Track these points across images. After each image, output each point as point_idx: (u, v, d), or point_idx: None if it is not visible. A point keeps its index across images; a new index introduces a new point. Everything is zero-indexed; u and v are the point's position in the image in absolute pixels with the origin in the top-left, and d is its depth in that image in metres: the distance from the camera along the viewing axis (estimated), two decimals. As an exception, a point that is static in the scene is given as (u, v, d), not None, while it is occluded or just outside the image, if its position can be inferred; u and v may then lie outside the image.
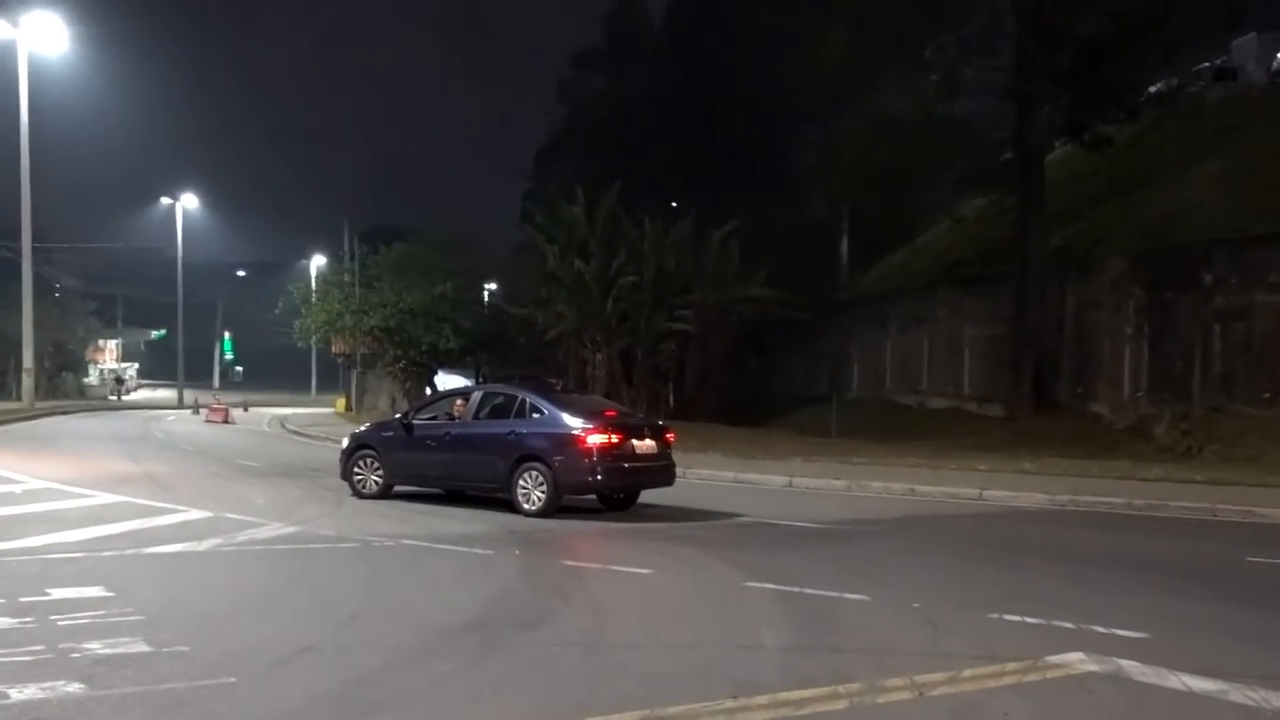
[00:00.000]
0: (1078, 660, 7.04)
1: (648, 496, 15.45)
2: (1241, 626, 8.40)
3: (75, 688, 5.91)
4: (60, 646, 6.74)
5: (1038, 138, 31.08)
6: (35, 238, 41.97)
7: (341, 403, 58.57)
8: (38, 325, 44.14)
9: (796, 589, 9.31)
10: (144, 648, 6.80)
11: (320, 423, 44.02)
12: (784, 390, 45.40)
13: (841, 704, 6.01)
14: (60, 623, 7.40)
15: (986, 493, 17.55)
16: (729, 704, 5.93)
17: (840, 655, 7.15)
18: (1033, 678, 6.68)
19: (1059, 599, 9.17)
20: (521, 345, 45.55)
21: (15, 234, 42.02)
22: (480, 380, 49.29)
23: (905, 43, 31.49)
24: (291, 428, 40.72)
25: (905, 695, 6.21)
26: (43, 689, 5.86)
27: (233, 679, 6.18)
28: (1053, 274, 30.85)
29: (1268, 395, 24.26)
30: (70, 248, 67.45)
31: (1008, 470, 20.66)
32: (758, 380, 46.14)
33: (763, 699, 6.04)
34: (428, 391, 47.84)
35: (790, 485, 19.65)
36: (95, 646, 6.77)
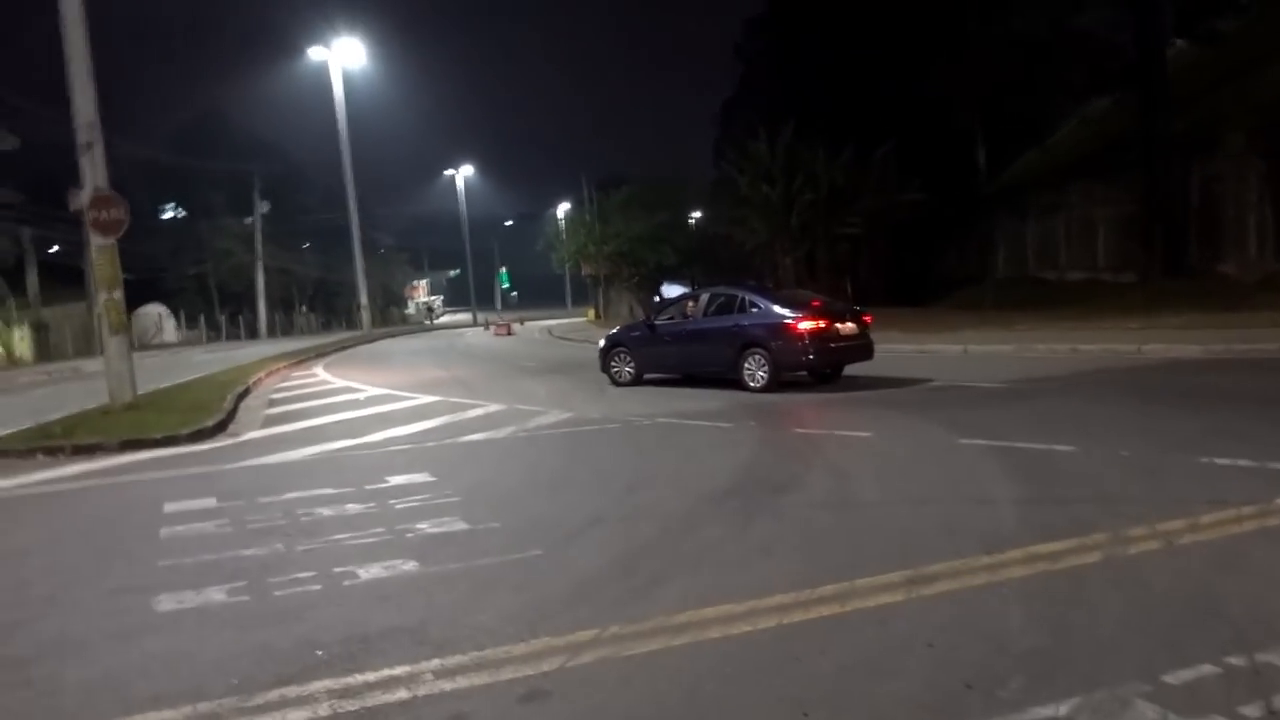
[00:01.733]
0: (1311, 501, 5.65)
1: (850, 369, 14.28)
2: None
3: (411, 565, 5.36)
4: (397, 527, 6.25)
5: (1158, 35, 27.52)
6: (358, 207, 43.16)
7: (591, 313, 58.79)
8: (368, 273, 45.69)
9: (1006, 443, 8.06)
10: (462, 525, 6.24)
11: (577, 329, 44.16)
12: (940, 275, 42.80)
13: (1094, 556, 4.86)
14: (397, 506, 6.93)
15: (1144, 347, 15.55)
16: (985, 560, 4.88)
17: (1071, 506, 5.94)
18: (1274, 521, 5.34)
19: (1260, 441, 7.62)
20: (725, 257, 45.00)
21: (346, 207, 43.41)
22: (694, 286, 48.85)
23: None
24: (557, 334, 40.94)
25: (1153, 545, 5.01)
26: (385, 568, 5.33)
27: (538, 551, 5.52)
28: (1176, 154, 27.49)
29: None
30: (386, 213, 69.96)
31: (1159, 326, 18.36)
32: (918, 269, 43.64)
33: (1016, 553, 4.95)
34: (655, 299, 47.60)
35: (965, 352, 18.01)
36: (425, 526, 6.25)
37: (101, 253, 12.82)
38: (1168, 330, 17.53)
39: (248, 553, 5.81)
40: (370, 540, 5.96)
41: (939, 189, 37.76)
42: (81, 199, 12.67)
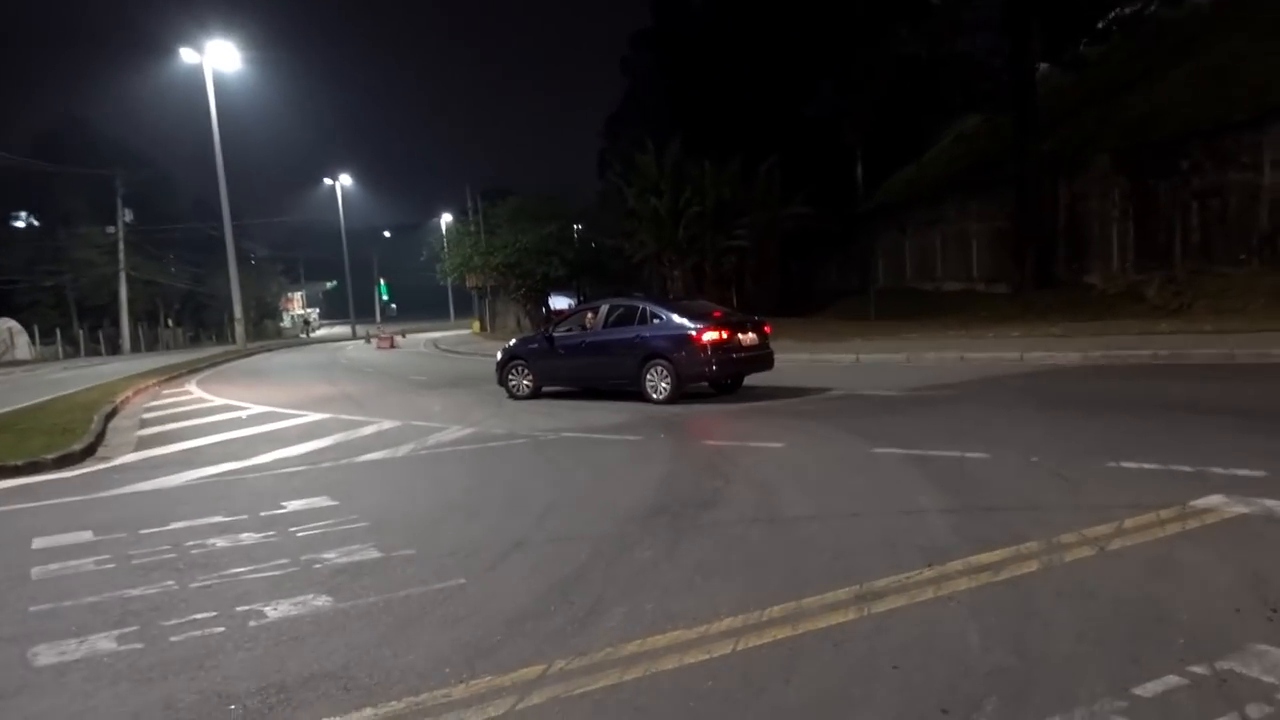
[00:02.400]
0: (1222, 503, 5.79)
1: (749, 379, 14.30)
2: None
3: (323, 601, 4.93)
4: (303, 558, 5.79)
5: (1029, 60, 28.85)
6: (232, 217, 41.31)
7: (476, 325, 57.92)
8: (241, 285, 43.72)
9: (919, 451, 8.09)
10: (374, 553, 5.82)
11: (464, 342, 43.31)
12: (822, 287, 43.82)
13: (1032, 565, 4.83)
14: (299, 534, 6.45)
15: (1027, 355, 16.07)
16: (928, 573, 4.80)
17: (998, 514, 5.93)
18: (1193, 524, 5.44)
19: (1160, 444, 7.82)
20: (612, 269, 45.00)
21: (218, 216, 41.50)
22: (581, 298, 48.63)
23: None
24: (443, 347, 40.00)
25: (1087, 552, 5.01)
26: (295, 604, 4.89)
27: (461, 579, 5.17)
28: (1046, 173, 28.80)
29: (1243, 257, 22.32)
30: (260, 223, 67.44)
31: (1037, 335, 19.04)
32: (801, 281, 44.54)
33: (957, 564, 4.89)
34: (544, 310, 47.18)
35: (858, 360, 18.29)
36: (332, 556, 5.80)
37: (-49, 263, 11.71)
38: (1047, 339, 18.20)
39: (135, 592, 5.27)
40: (274, 573, 5.50)
41: (823, 203, 38.80)
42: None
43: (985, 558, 4.98)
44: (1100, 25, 31.97)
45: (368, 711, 3.52)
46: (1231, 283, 21.71)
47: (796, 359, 18.54)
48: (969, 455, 7.80)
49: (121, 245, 57.50)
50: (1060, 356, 15.59)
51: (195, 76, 39.45)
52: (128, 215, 58.12)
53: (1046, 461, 7.37)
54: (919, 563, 4.95)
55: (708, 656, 3.88)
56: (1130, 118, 27.67)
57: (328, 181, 70.73)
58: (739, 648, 3.95)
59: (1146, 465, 6.96)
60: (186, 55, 38.23)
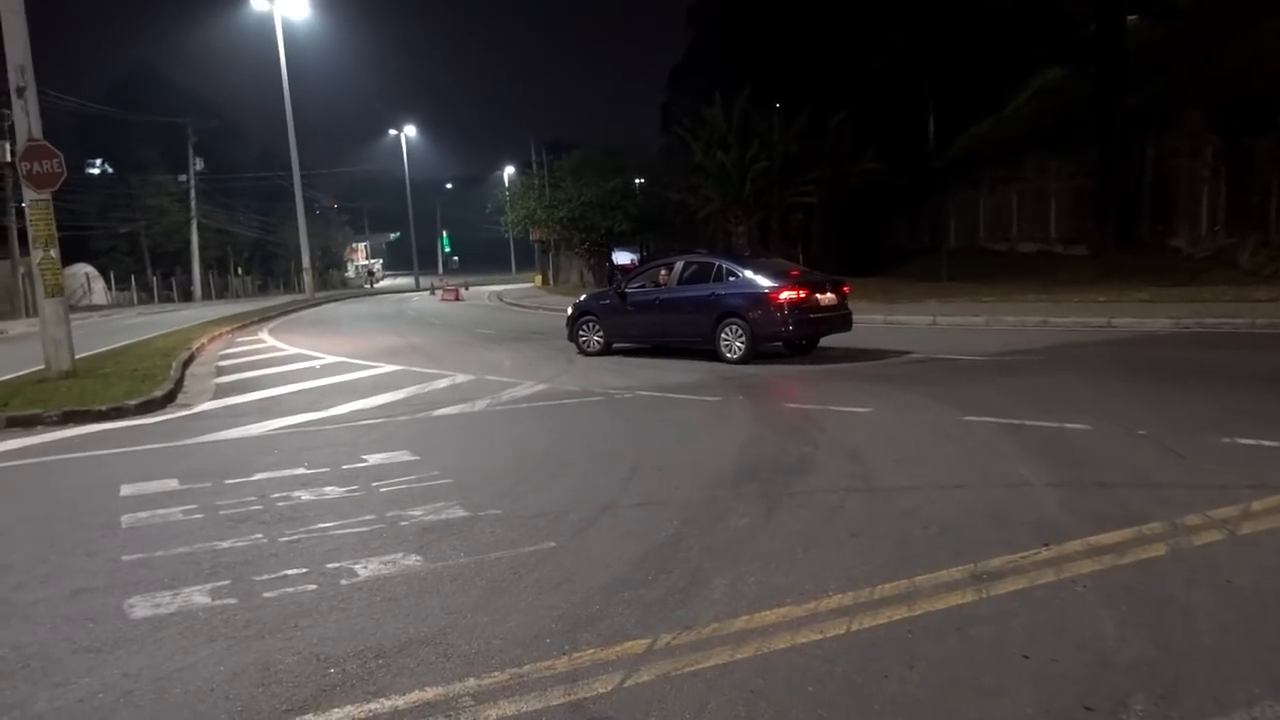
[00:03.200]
0: (1357, 485, 5.41)
1: (824, 340, 13.97)
2: None
3: (413, 560, 4.84)
4: (388, 515, 5.71)
5: (1118, 9, 27.57)
6: (300, 167, 41.64)
7: (539, 279, 57.93)
8: (308, 235, 44.17)
9: (1015, 421, 7.76)
10: (460, 512, 5.72)
11: (527, 295, 43.33)
12: (891, 246, 42.81)
13: (1159, 548, 4.54)
14: (382, 490, 6.38)
15: (1114, 320, 15.47)
16: (1045, 553, 4.53)
17: (1111, 490, 5.63)
18: (1329, 508, 5.09)
19: (1275, 419, 7.41)
20: (677, 224, 44.44)
21: (285, 166, 41.89)
22: (645, 253, 48.24)
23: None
24: (508, 300, 40.08)
25: (1216, 535, 4.70)
26: (384, 563, 4.80)
27: (552, 543, 5.04)
28: (1132, 130, 27.62)
29: (1347, 220, 21.20)
30: (326, 173, 68.13)
31: (1126, 300, 18.32)
32: (870, 239, 43.62)
33: (1076, 545, 4.62)
34: (607, 265, 46.94)
35: (934, 323, 17.80)
36: (419, 513, 5.72)
37: (36, 208, 11.88)
38: (1135, 304, 17.52)
39: (225, 545, 5.23)
40: (361, 530, 5.42)
41: (893, 158, 37.73)
42: (11, 149, 11.69)
43: (1106, 538, 4.69)
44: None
45: (470, 682, 3.39)
46: (1333, 248, 20.68)
47: (871, 320, 18.09)
48: (1068, 426, 7.46)
49: (193, 193, 58.51)
50: (1151, 323, 14.98)
51: (264, 24, 39.64)
52: (198, 164, 59.00)
53: (1155, 435, 7.01)
54: (1033, 541, 4.69)
55: (821, 636, 3.68)
56: (1224, 71, 26.29)
57: (392, 132, 71.13)
58: (854, 628, 3.75)
59: (1266, 442, 6.57)
60: (257, 2, 38.35)
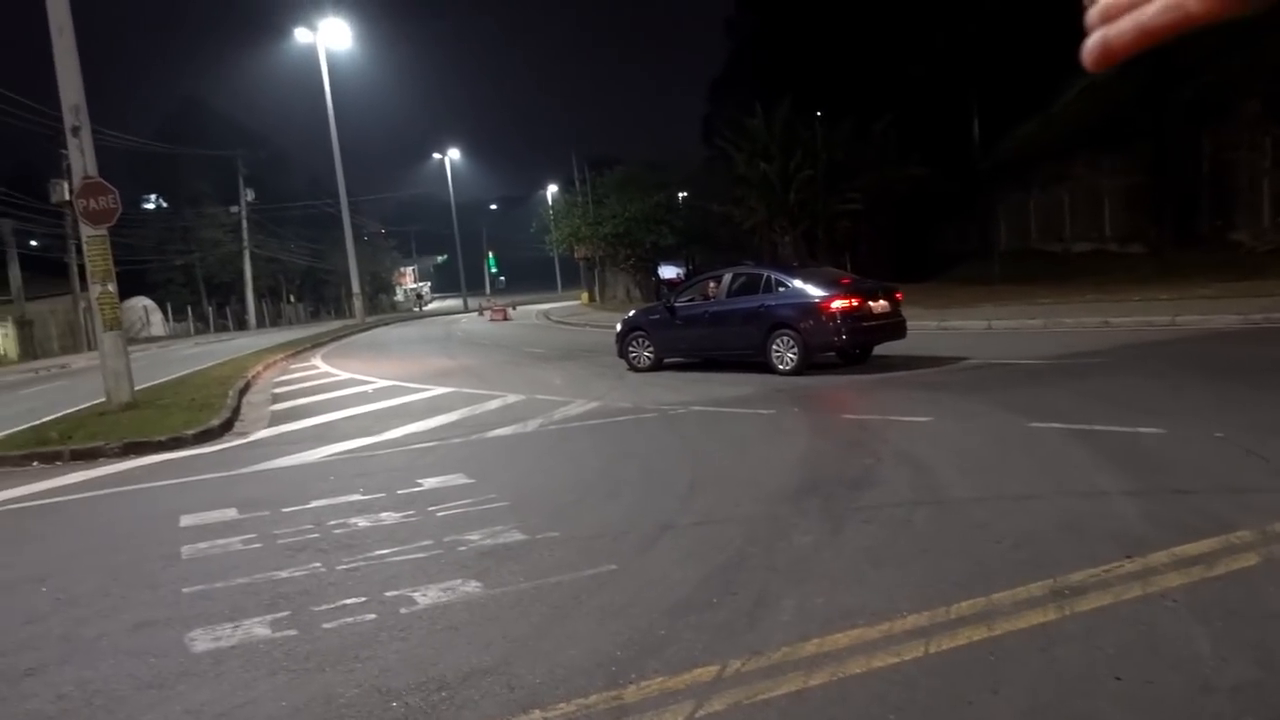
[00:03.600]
0: None
1: (877, 348, 13.73)
2: None
3: (473, 587, 4.76)
4: (446, 540, 5.65)
5: None
6: (347, 194, 42.26)
7: (585, 296, 58.00)
8: (357, 260, 44.79)
9: (1084, 426, 7.50)
10: (518, 535, 5.64)
11: (574, 313, 43.42)
12: (940, 251, 42.24)
13: (1250, 558, 4.31)
14: (439, 514, 6.33)
15: (1178, 318, 15.01)
16: (1129, 565, 4.32)
17: (1193, 498, 5.38)
18: None
19: (1362, 418, 7.09)
20: (722, 236, 44.28)
21: (332, 194, 42.53)
22: (690, 266, 48.16)
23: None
24: (555, 319, 40.19)
25: (1313, 544, 4.45)
26: (444, 590, 4.73)
27: (612, 565, 4.93)
28: (1187, 123, 26.96)
29: None
30: (373, 199, 69.18)
31: (1189, 297, 17.79)
32: (918, 244, 43.09)
33: (1161, 556, 4.39)
34: (654, 280, 46.93)
35: (990, 328, 17.45)
36: (476, 537, 5.65)
37: (93, 244, 12.12)
38: (1198, 300, 16.99)
39: (284, 574, 5.21)
40: (419, 556, 5.37)
41: (938, 162, 37.34)
42: (69, 187, 11.96)
43: (1192, 548, 4.47)
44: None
45: (536, 714, 3.30)
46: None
47: (924, 326, 17.73)
48: (1141, 430, 7.19)
49: (245, 224, 59.70)
50: (1217, 320, 14.51)
51: (307, 55, 40.41)
52: (249, 194, 60.20)
53: (1234, 437, 6.72)
54: (1116, 554, 4.48)
55: (898, 659, 3.53)
56: (1278, 61, 25.54)
57: (436, 156, 71.91)
58: (931, 650, 3.59)
59: (1354, 442, 6.27)
60: (300, 35, 39.10)
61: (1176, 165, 26.82)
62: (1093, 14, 0.80)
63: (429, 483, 7.36)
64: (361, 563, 5.33)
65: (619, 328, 15.41)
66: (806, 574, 4.57)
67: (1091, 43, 0.78)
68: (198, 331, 55.71)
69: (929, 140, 38.87)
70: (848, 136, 38.28)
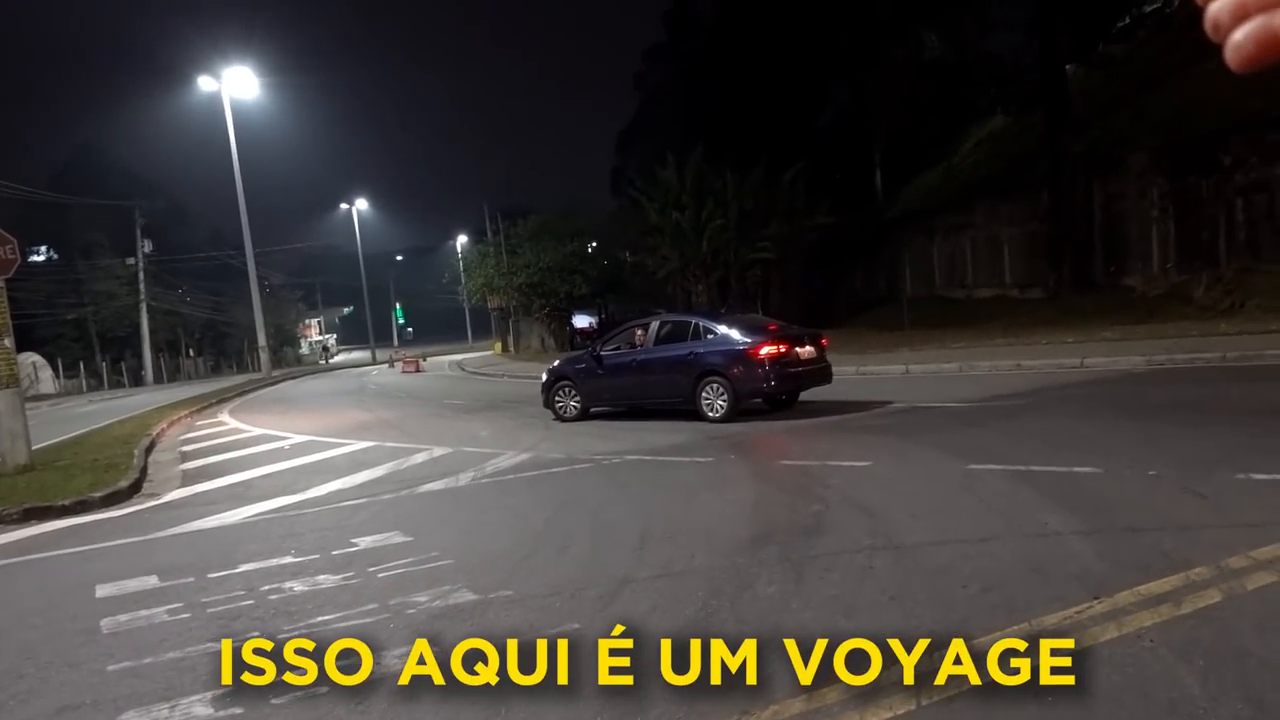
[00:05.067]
0: (1389, 518, 5.30)
1: (803, 394, 13.82)
2: None
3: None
4: (391, 603, 5.35)
5: (1059, 59, 28.47)
6: (253, 245, 41.11)
7: (498, 346, 57.55)
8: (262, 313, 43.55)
9: (1021, 467, 7.62)
10: (470, 596, 5.39)
11: (488, 363, 42.93)
12: (848, 297, 43.24)
13: (1214, 595, 4.36)
14: (380, 575, 6.02)
15: (1086, 360, 15.55)
16: (1099, 606, 4.32)
17: (1144, 535, 5.45)
18: (1369, 543, 4.95)
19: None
20: (635, 285, 44.56)
21: (234, 245, 41.36)
22: (603, 316, 48.22)
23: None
24: (470, 369, 39.62)
25: (1268, 578, 4.54)
26: (398, 658, 4.44)
27: (576, 624, 4.72)
28: (1080, 173, 28.28)
29: (1295, 254, 21.73)
30: (278, 250, 67.56)
31: (1093, 340, 18.49)
32: (828, 291, 44.06)
33: (1127, 595, 4.42)
34: (568, 329, 46.81)
35: (908, 371, 17.81)
36: (424, 599, 5.37)
37: (-12, 297, 11.42)
38: (1102, 343, 17.67)
39: (219, 646, 4.84)
40: (366, 620, 5.07)
41: (846, 210, 38.33)
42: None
43: (1155, 587, 4.50)
44: (1124, 23, 31.71)
45: (522, 791, 3.07)
46: (1283, 281, 21.12)
47: (844, 371, 17.92)
48: (1078, 470, 7.33)
49: (141, 275, 57.58)
50: (1124, 361, 15.07)
51: (210, 104, 39.37)
52: (147, 245, 58.18)
53: (1168, 475, 6.89)
54: (1083, 595, 4.48)
55: (891, 714, 3.42)
56: (1165, 115, 27.12)
57: (344, 206, 70.77)
58: (924, 703, 3.49)
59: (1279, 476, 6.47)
60: (204, 83, 38.13)
61: (1071, 214, 28.03)
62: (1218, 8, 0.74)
63: (364, 542, 7.02)
64: (304, 629, 5.00)
65: (545, 377, 15.22)
66: (779, 626, 4.44)
67: (1244, 34, 0.72)
68: (91, 388, 53.23)
69: (837, 189, 39.92)
70: (758, 185, 38.93)
